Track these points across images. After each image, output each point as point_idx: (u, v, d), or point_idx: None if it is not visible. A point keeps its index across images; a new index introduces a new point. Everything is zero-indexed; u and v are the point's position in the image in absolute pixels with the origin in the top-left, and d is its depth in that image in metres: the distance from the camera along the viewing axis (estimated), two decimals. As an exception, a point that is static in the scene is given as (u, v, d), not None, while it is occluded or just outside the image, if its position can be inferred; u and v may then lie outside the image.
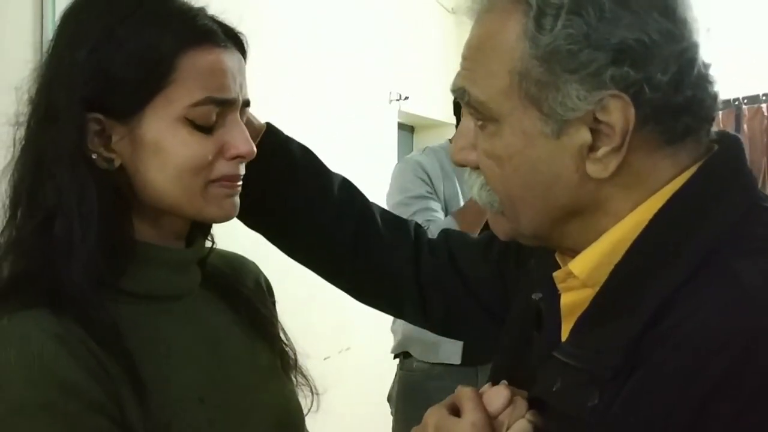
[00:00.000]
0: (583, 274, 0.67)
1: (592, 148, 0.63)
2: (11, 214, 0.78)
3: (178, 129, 0.76)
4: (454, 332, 1.15)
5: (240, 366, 0.87)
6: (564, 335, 0.71)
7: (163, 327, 0.81)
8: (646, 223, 0.64)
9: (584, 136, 0.63)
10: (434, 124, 4.81)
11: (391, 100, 3.96)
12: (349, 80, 3.46)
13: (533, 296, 0.78)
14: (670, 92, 0.62)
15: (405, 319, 1.08)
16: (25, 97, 0.79)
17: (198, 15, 0.78)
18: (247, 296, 0.94)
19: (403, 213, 2.11)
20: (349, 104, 3.43)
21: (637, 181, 0.65)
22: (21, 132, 0.79)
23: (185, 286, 0.85)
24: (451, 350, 2.20)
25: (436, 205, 2.16)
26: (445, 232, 1.07)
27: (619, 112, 0.61)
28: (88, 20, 0.77)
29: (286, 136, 0.98)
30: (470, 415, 0.65)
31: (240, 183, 0.83)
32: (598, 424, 0.60)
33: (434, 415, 0.68)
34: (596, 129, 0.63)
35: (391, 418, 2.39)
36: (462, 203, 2.25)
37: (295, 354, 0.96)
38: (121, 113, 0.76)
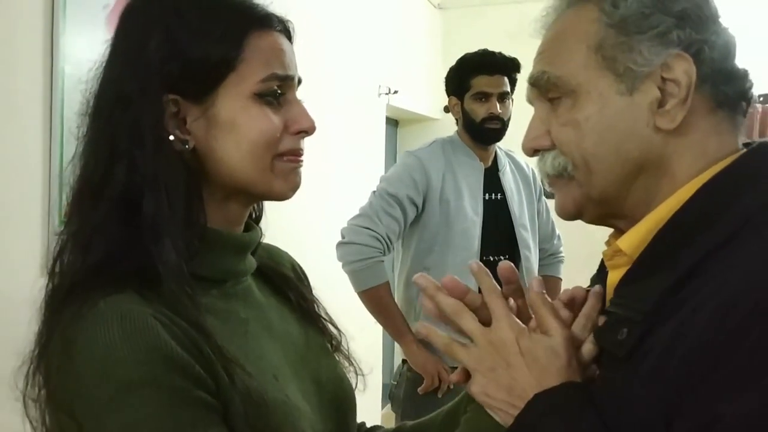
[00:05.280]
0: (630, 249, 0.75)
1: (661, 103, 0.73)
2: (77, 207, 0.79)
3: (249, 106, 0.80)
4: None
5: (297, 347, 0.91)
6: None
7: (236, 309, 0.84)
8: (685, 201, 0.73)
9: (654, 92, 0.73)
10: (418, 119, 4.83)
11: (380, 94, 3.97)
12: (339, 74, 3.46)
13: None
14: (724, 55, 0.74)
15: None
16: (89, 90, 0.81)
17: (253, 2, 0.84)
18: (294, 283, 0.99)
19: (374, 201, 2.25)
20: (338, 98, 3.44)
21: (697, 143, 0.74)
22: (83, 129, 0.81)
23: (244, 270, 0.88)
24: None
25: (398, 214, 2.23)
26: None
27: (682, 69, 0.72)
28: (157, 10, 0.81)
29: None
30: (559, 332, 0.73)
31: (302, 159, 0.86)
32: (628, 355, 0.69)
33: (509, 332, 0.73)
34: (663, 88, 0.73)
35: (381, 413, 2.40)
36: (465, 199, 2.30)
37: (341, 336, 1.00)
38: (196, 94, 0.79)
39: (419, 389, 2.24)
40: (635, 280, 0.73)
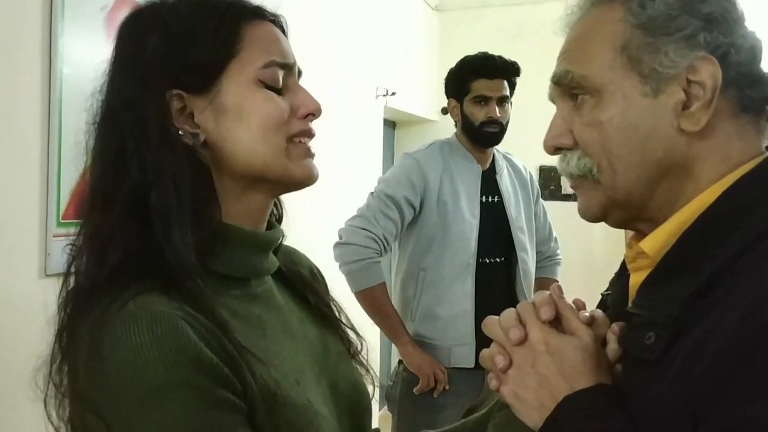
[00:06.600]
0: (653, 251, 0.75)
1: (686, 105, 0.73)
2: (91, 211, 0.80)
3: (254, 91, 0.82)
4: None
5: (316, 351, 0.91)
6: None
7: (256, 309, 0.84)
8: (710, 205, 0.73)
9: (679, 94, 0.73)
10: (416, 120, 4.84)
11: (377, 96, 3.97)
12: (337, 75, 3.46)
13: (601, 293, 0.84)
14: (749, 59, 0.74)
15: None
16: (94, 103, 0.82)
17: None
18: (315, 286, 0.99)
19: (371, 202, 2.27)
20: (337, 99, 3.44)
21: (721, 146, 0.74)
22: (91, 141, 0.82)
23: (267, 269, 0.88)
24: (464, 354, 2.26)
25: (396, 215, 2.25)
26: None
27: (708, 72, 0.72)
28: (152, 15, 0.82)
29: None
30: (587, 333, 0.73)
31: (311, 144, 0.87)
32: (657, 359, 0.69)
33: (538, 332, 0.73)
34: (688, 90, 0.73)
35: (379, 414, 2.41)
36: (462, 202, 2.31)
37: (362, 344, 1.00)
38: (200, 86, 0.81)
39: (415, 389, 2.25)
40: (659, 282, 0.73)
